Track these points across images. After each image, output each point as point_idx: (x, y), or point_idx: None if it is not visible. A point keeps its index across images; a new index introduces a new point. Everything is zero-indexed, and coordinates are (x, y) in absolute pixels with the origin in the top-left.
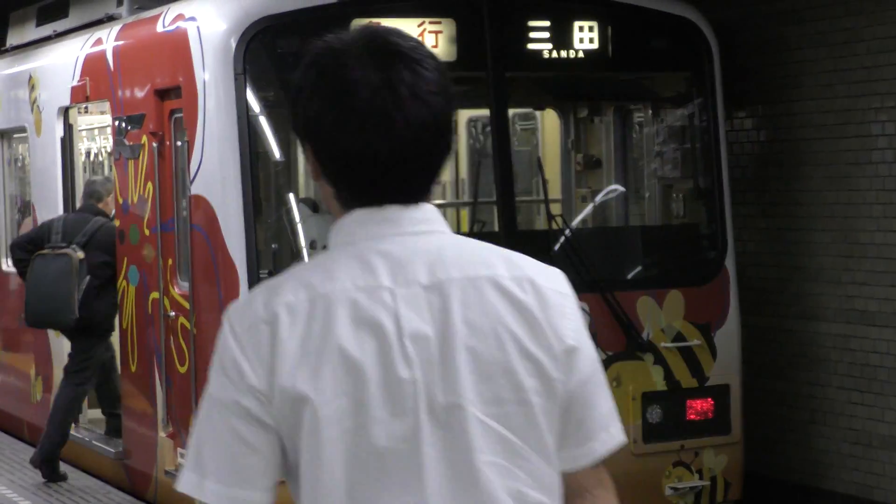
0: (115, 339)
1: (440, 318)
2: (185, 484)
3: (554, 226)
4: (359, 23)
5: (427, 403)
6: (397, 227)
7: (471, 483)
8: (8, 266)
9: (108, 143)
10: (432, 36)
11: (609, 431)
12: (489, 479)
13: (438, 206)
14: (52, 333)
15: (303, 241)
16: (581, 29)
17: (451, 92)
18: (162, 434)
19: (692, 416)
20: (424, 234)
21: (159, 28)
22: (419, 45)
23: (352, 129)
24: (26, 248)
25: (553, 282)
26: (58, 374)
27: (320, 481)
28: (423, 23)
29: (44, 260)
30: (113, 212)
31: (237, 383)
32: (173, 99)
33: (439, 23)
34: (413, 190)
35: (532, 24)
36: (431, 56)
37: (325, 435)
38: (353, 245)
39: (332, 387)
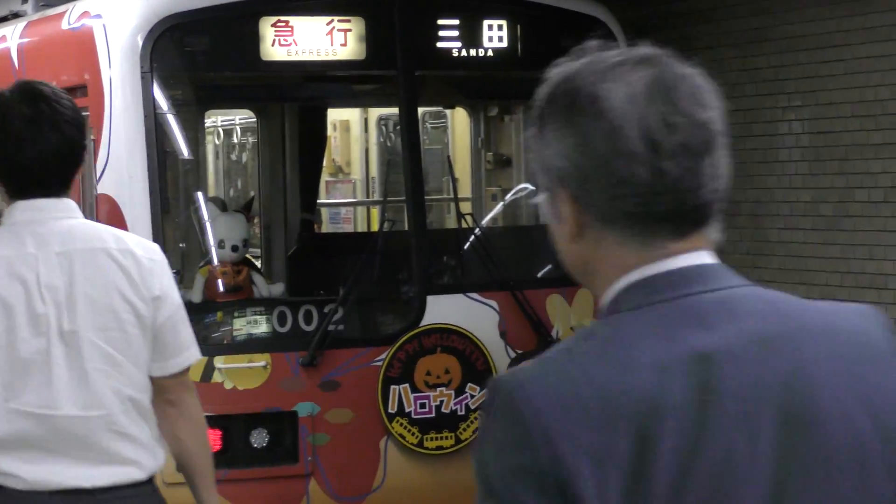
0: None
1: (67, 274)
2: None
3: (464, 224)
4: (267, 21)
5: (57, 330)
6: (43, 213)
7: (84, 382)
8: None
9: None
10: (341, 34)
11: (189, 351)
12: (96, 380)
13: (349, 204)
14: None
15: (211, 240)
16: (491, 28)
17: (81, 123)
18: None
19: None
20: (61, 219)
21: (64, 25)
22: (58, 91)
23: (11, 148)
24: None
25: (148, 252)
26: None
27: None
28: (331, 21)
29: None
30: None
31: None
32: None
33: (348, 21)
34: (55, 189)
35: (442, 22)
36: (67, 98)
37: None
38: (14, 225)
39: None
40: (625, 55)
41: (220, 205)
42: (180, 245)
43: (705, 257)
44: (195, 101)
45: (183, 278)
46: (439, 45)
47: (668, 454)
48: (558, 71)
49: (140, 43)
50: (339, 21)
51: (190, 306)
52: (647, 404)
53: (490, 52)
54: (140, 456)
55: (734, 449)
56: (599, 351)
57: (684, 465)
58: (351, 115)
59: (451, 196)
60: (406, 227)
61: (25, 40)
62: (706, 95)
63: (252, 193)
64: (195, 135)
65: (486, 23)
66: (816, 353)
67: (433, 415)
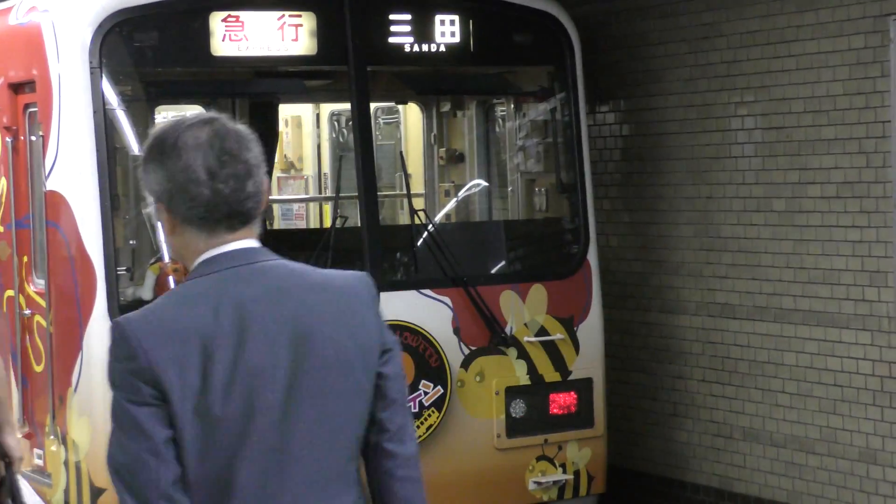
0: None
1: None
2: None
3: (417, 220)
4: (217, 16)
5: None
6: None
7: None
8: None
9: None
10: (292, 29)
11: None
12: None
13: (301, 200)
14: None
15: (161, 237)
16: (443, 23)
17: None
18: (18, 435)
19: (555, 411)
20: None
21: (12, 20)
22: None
23: None
24: None
25: None
26: None
27: None
28: (282, 16)
29: None
30: None
31: None
32: (27, 93)
33: (299, 16)
34: None
35: (393, 17)
36: None
37: None
38: None
39: None
40: (197, 118)
41: None
42: (131, 242)
43: (250, 244)
44: (145, 97)
45: (133, 276)
46: (391, 40)
47: (221, 362)
48: (158, 127)
49: (89, 38)
50: (289, 16)
51: (141, 304)
52: (207, 331)
53: (442, 48)
54: None
55: (263, 359)
56: (180, 300)
57: (232, 369)
58: (303, 110)
59: (404, 192)
60: (358, 224)
61: None
62: (248, 142)
63: None
64: (145, 131)
65: (438, 18)
66: (315, 299)
67: None
